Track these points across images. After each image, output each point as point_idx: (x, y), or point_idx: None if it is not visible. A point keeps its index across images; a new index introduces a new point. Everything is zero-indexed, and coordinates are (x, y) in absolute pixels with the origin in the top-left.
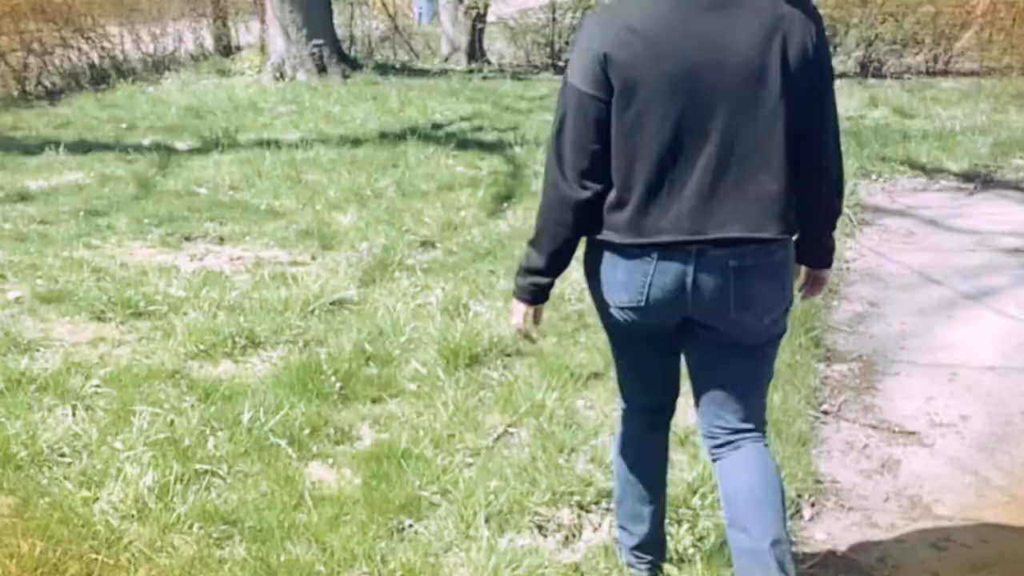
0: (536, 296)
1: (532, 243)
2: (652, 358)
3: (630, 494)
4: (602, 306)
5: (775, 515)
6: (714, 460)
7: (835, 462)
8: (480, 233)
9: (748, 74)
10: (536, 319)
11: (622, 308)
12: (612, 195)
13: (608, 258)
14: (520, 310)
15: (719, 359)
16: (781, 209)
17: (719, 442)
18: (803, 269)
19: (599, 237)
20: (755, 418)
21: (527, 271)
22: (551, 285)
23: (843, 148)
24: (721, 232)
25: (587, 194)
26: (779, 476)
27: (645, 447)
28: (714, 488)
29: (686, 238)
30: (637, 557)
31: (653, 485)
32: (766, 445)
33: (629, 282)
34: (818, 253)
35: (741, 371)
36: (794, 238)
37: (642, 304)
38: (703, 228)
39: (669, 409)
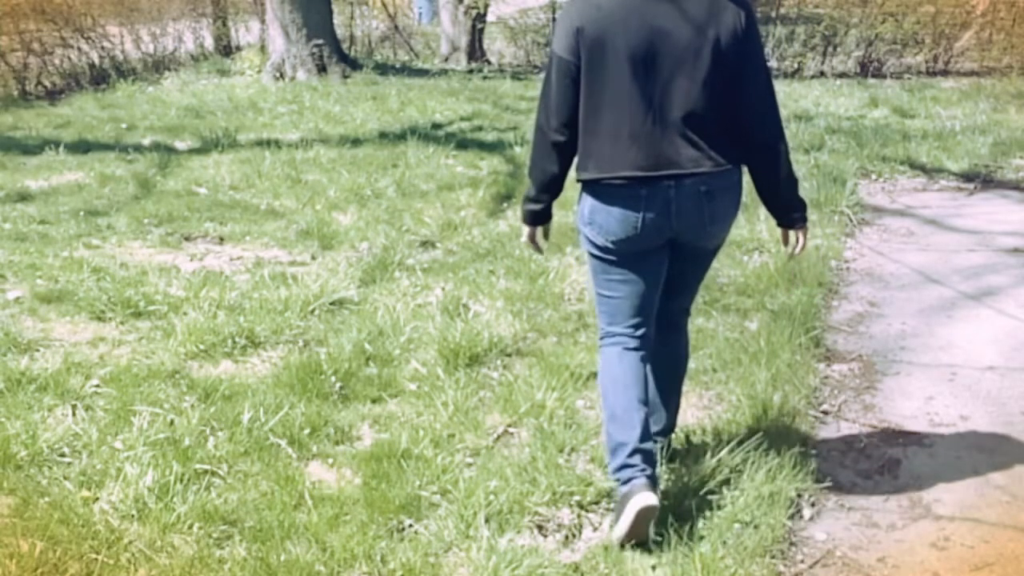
0: (535, 219)
1: (528, 176)
2: (642, 281)
3: (620, 403)
4: (596, 246)
5: (679, 380)
6: (658, 333)
7: (835, 462)
8: (480, 233)
9: (687, 48)
10: (544, 236)
11: (617, 241)
12: (581, 142)
13: (600, 203)
14: (526, 231)
15: (687, 265)
16: (712, 150)
17: (667, 321)
18: (790, 233)
19: (579, 179)
20: (689, 306)
21: (526, 199)
22: (546, 211)
23: (843, 147)
24: (668, 170)
25: (563, 138)
26: (687, 346)
27: (630, 360)
28: (714, 489)
29: (644, 172)
30: (632, 465)
31: (639, 393)
32: (687, 325)
33: (624, 219)
34: (786, 213)
35: (698, 271)
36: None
37: (637, 233)
38: (656, 166)
39: (648, 328)
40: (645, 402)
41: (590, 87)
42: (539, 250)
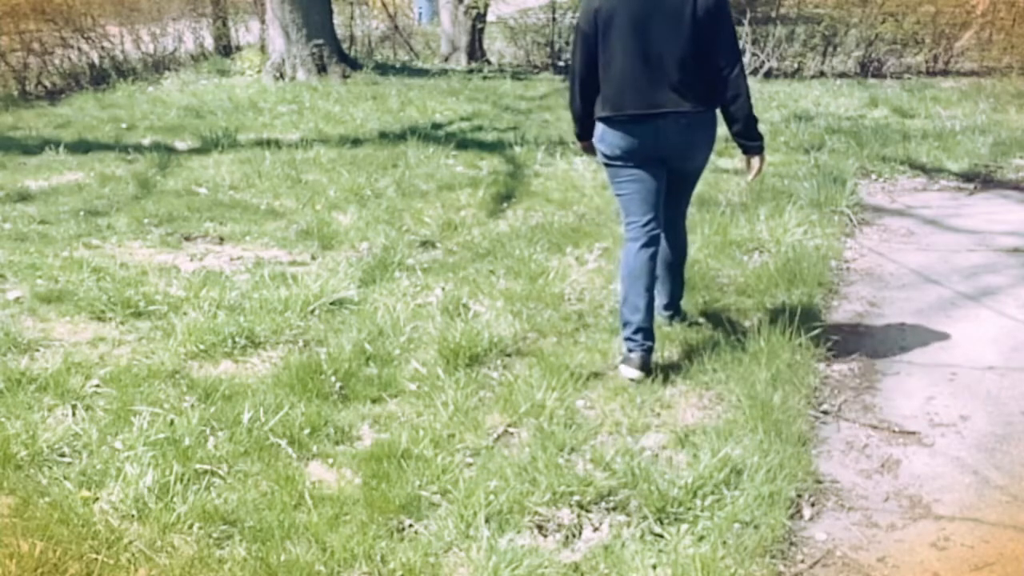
0: (582, 136)
1: (569, 109)
2: (643, 182)
3: (631, 291)
4: (609, 159)
5: (679, 267)
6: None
7: (835, 462)
8: (480, 233)
9: (673, 19)
10: (591, 150)
11: (621, 155)
12: (601, 89)
13: (609, 130)
14: (580, 144)
15: (675, 181)
16: (691, 95)
17: (666, 223)
18: (751, 160)
19: (598, 116)
20: (684, 211)
21: (574, 126)
22: (588, 130)
23: (843, 147)
24: (658, 109)
25: (585, 89)
26: (686, 241)
27: (642, 256)
28: (714, 489)
29: (640, 111)
30: (634, 340)
31: (647, 283)
32: (685, 224)
33: (624, 139)
34: (748, 141)
35: (685, 186)
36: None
37: (634, 149)
38: (649, 106)
39: (657, 227)
40: (650, 290)
41: (605, 50)
42: (595, 154)
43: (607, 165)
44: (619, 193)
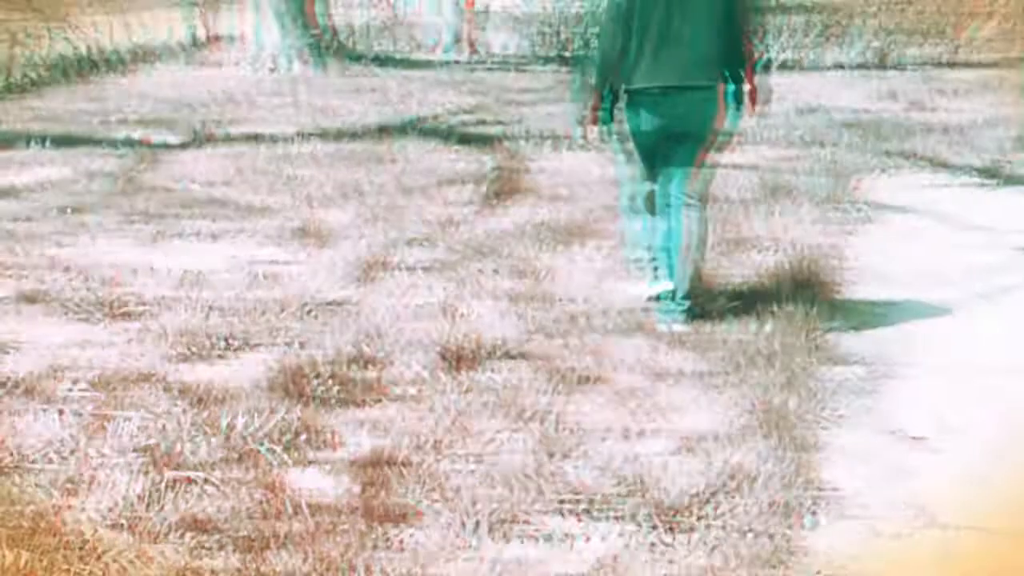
0: (594, 109)
1: (595, 75)
2: (653, 150)
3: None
4: (633, 124)
5: (696, 252)
6: (673, 210)
7: (838, 467)
8: (481, 231)
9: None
10: (592, 121)
11: (640, 129)
12: (626, 61)
13: (632, 103)
14: (588, 118)
15: (684, 146)
16: (713, 69)
17: (680, 202)
18: (752, 96)
19: (625, 88)
20: (697, 192)
21: (590, 98)
22: (600, 101)
23: (852, 141)
24: (685, 82)
25: (615, 48)
26: (704, 228)
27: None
28: (719, 497)
29: (668, 84)
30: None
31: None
32: (702, 211)
33: (646, 110)
34: (750, 86)
35: (693, 153)
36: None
37: (657, 119)
38: (677, 80)
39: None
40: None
41: (637, 24)
42: (589, 131)
43: (622, 135)
44: (638, 154)
